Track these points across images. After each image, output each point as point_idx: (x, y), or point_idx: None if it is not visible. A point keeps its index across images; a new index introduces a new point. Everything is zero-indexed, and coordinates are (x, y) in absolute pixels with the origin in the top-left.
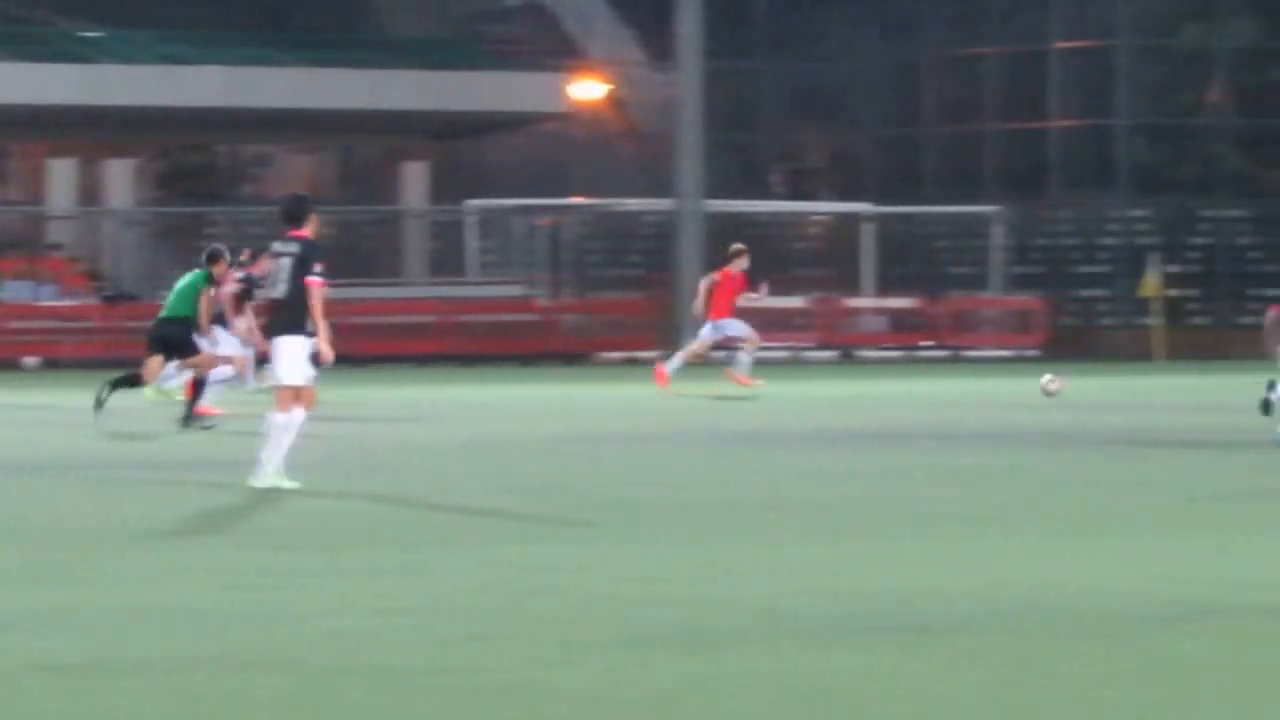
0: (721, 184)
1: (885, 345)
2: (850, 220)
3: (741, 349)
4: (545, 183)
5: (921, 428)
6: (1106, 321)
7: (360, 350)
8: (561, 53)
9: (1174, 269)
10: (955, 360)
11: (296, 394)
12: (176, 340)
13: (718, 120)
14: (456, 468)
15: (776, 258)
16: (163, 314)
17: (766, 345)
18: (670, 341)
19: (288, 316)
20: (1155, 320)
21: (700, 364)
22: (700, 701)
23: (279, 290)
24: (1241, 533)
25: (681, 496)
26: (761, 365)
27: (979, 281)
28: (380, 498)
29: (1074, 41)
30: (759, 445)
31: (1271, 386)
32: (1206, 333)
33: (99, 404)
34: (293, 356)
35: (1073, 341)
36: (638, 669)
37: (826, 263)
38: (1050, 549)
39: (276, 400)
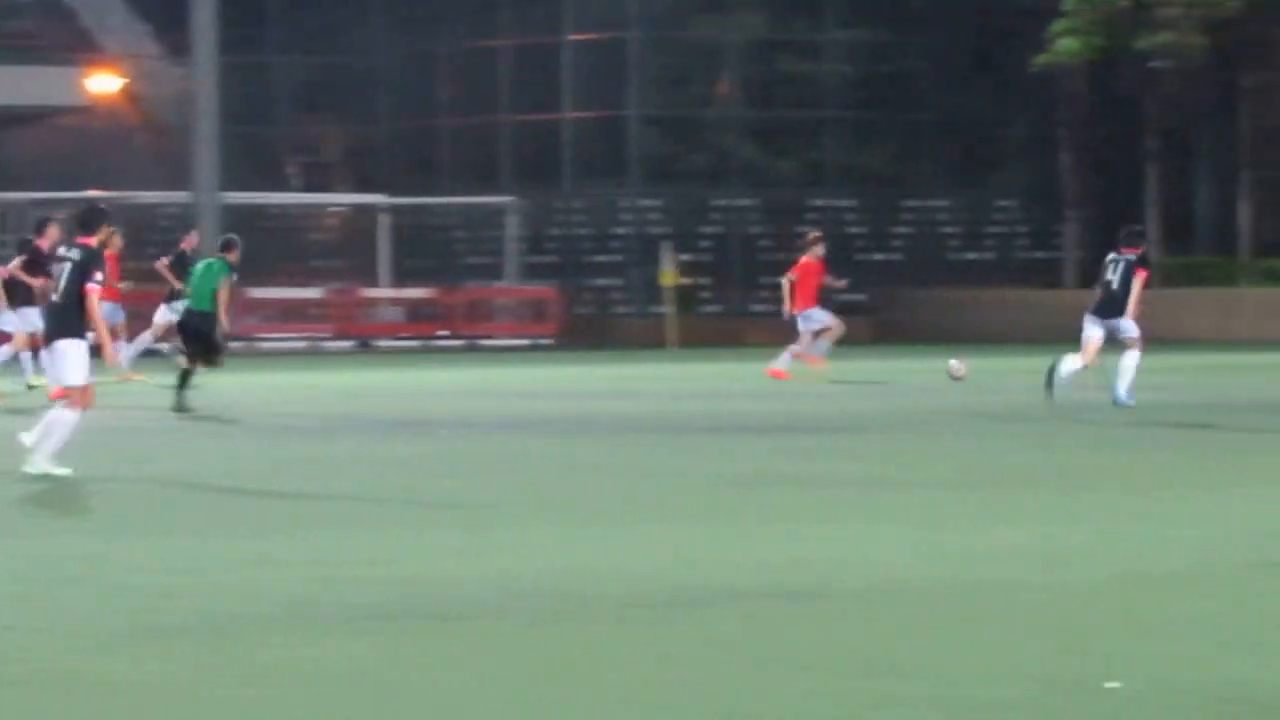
0: (238, 176)
1: (402, 335)
2: (366, 212)
3: (822, 338)
4: (63, 176)
5: (439, 417)
6: (620, 310)
7: None
8: (77, 47)
9: (686, 258)
10: (471, 350)
11: (81, 393)
12: (197, 329)
13: (234, 113)
14: None
15: (293, 249)
16: (190, 305)
17: (282, 336)
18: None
19: (65, 320)
20: (668, 309)
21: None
22: (220, 689)
23: (58, 294)
24: (756, 517)
25: (210, 488)
26: (277, 356)
27: (494, 271)
28: None
29: (586, 34)
30: (278, 436)
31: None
32: (719, 321)
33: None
34: (74, 358)
35: (587, 330)
36: (161, 658)
37: (343, 254)
38: (568, 535)
39: (69, 399)
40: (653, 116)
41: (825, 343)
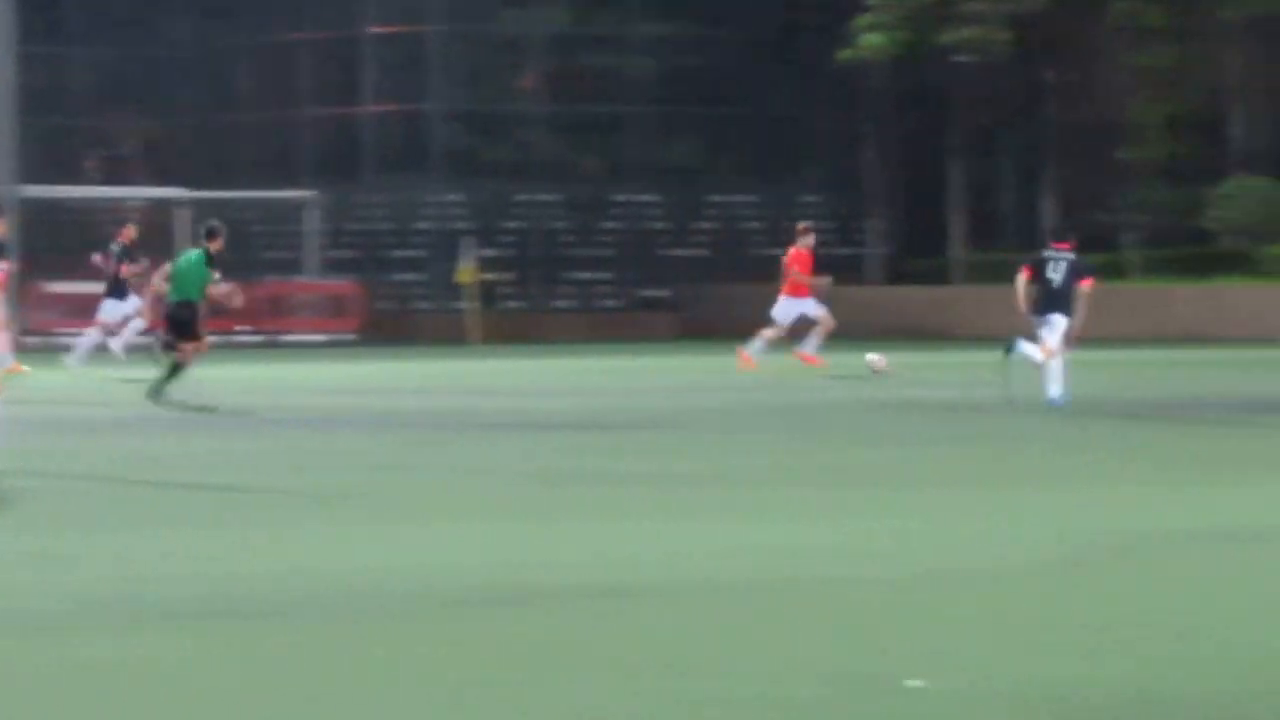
0: (35, 170)
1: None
2: (164, 206)
3: (761, 336)
4: None
5: (240, 413)
6: (422, 306)
7: None
8: None
9: (489, 253)
10: (271, 345)
11: None
12: (184, 321)
13: (30, 105)
14: None
15: (91, 244)
16: (172, 297)
17: (80, 331)
18: None
19: None
20: (470, 304)
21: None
22: (18, 688)
23: None
24: (561, 514)
25: (6, 483)
26: (63, 352)
27: (294, 266)
28: None
29: (387, 27)
30: (74, 432)
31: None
32: (521, 316)
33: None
34: None
35: (389, 326)
36: None
37: (141, 248)
38: (374, 533)
39: None
40: (454, 111)
41: (761, 344)
